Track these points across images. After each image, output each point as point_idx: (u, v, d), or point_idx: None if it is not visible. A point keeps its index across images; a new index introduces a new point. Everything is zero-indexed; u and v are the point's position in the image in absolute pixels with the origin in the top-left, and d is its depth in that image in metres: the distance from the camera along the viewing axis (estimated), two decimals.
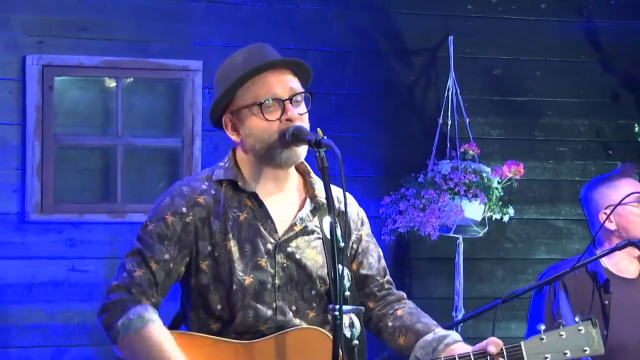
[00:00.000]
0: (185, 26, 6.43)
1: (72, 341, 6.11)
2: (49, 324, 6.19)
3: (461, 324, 6.11)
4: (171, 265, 3.35)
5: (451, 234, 6.42)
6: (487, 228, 6.48)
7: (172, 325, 3.55)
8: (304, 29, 6.62)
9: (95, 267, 6.18)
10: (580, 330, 3.44)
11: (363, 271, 3.57)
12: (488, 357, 3.36)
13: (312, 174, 3.53)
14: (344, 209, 3.41)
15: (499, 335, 3.51)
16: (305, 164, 3.52)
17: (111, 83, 6.40)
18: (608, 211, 4.71)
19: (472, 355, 3.35)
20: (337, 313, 3.08)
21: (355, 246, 3.57)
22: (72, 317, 6.12)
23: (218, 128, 3.51)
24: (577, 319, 3.48)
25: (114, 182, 6.37)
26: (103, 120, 6.46)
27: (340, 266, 3.19)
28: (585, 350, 3.43)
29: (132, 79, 6.43)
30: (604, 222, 4.75)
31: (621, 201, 4.65)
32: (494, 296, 6.10)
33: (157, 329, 3.28)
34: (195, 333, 3.39)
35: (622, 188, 4.77)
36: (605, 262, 4.80)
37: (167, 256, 3.34)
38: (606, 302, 4.71)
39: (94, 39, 6.27)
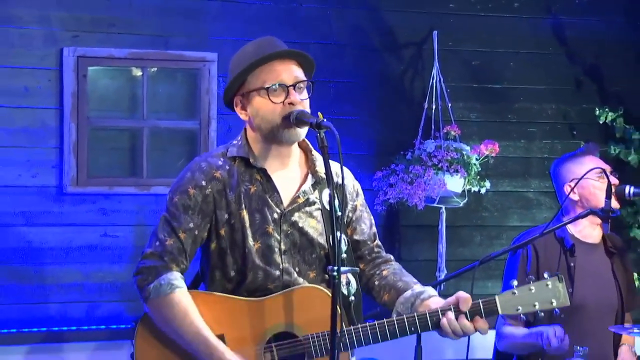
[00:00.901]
0: (202, 22, 6.40)
1: (105, 297, 6.12)
2: (84, 283, 6.20)
3: (444, 283, 6.13)
4: (196, 232, 3.37)
5: (435, 204, 6.40)
6: (466, 199, 6.46)
7: (193, 284, 3.58)
8: (306, 25, 6.59)
9: (124, 233, 6.18)
10: (548, 285, 3.43)
11: (356, 236, 3.58)
12: (453, 308, 3.34)
13: (314, 151, 3.53)
14: (341, 182, 3.44)
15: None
16: (307, 142, 3.54)
17: (137, 72, 6.38)
18: (573, 184, 4.70)
19: (439, 312, 3.34)
20: (335, 273, 3.09)
21: (350, 214, 3.57)
22: (104, 277, 6.13)
23: (229, 108, 3.52)
24: (545, 275, 3.48)
25: (140, 159, 6.37)
26: (130, 105, 6.44)
27: (338, 232, 3.19)
28: (552, 303, 3.43)
29: (155, 69, 6.40)
30: (569, 193, 4.77)
31: (584, 175, 4.63)
32: (473, 258, 6.12)
33: (182, 297, 3.31)
34: (213, 292, 3.42)
35: (585, 164, 4.75)
36: (571, 229, 4.79)
37: (192, 225, 3.35)
38: (571, 264, 4.69)
39: (122, 34, 6.26)
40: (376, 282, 3.56)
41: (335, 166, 3.40)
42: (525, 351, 4.63)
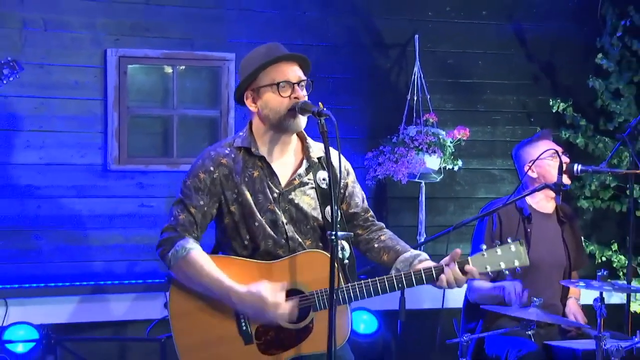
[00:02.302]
0: (223, 27, 6.38)
1: (142, 257, 6.12)
2: (124, 245, 6.21)
3: (423, 245, 6.18)
4: (205, 209, 3.37)
5: (416, 180, 6.41)
6: (442, 175, 6.47)
7: (212, 253, 3.57)
8: (308, 29, 6.57)
9: (157, 204, 6.19)
10: (511, 248, 3.46)
11: (351, 210, 3.59)
12: (444, 268, 3.39)
13: (309, 139, 3.54)
14: (332, 164, 3.46)
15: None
16: (304, 132, 3.54)
17: (168, 69, 6.36)
18: (531, 163, 4.73)
19: (433, 270, 3.39)
20: (333, 237, 3.11)
21: (343, 191, 3.57)
22: (141, 240, 6.14)
23: (239, 103, 3.52)
24: (509, 240, 3.50)
25: (170, 141, 6.37)
26: (163, 97, 6.42)
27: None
28: (515, 263, 3.47)
29: (183, 67, 6.38)
30: (528, 171, 4.79)
31: (539, 156, 4.65)
32: (447, 224, 6.00)
33: (197, 255, 3.33)
34: (232, 256, 3.43)
35: (540, 147, 4.77)
36: (529, 200, 4.81)
37: (202, 202, 3.36)
38: (528, 230, 4.71)
39: (156, 37, 6.24)
40: (375, 245, 3.58)
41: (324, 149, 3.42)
42: (490, 301, 4.63)
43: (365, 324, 6.24)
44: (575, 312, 4.80)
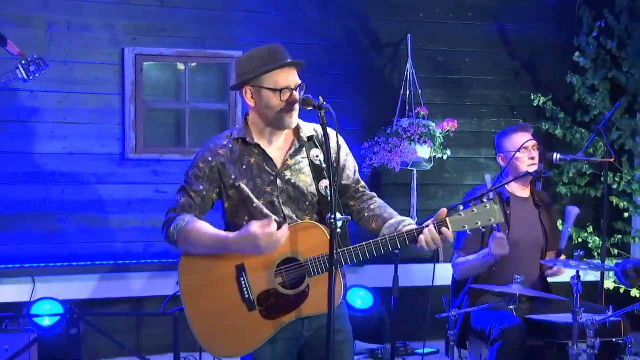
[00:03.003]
0: (231, 28, 6.40)
1: (157, 238, 6.01)
2: (142, 227, 6.24)
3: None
4: (204, 193, 3.36)
5: (408, 168, 6.43)
6: (432, 163, 6.49)
7: None
8: (309, 29, 6.58)
9: (171, 190, 6.02)
10: (486, 207, 3.33)
11: (344, 182, 3.53)
12: (424, 230, 3.33)
13: (300, 123, 3.49)
14: (323, 141, 3.42)
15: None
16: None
17: (181, 66, 6.39)
18: (512, 154, 4.69)
19: (414, 232, 3.33)
20: (332, 220, 3.11)
21: (335, 165, 3.48)
22: (157, 222, 5.89)
23: (235, 90, 3.50)
24: (484, 199, 3.38)
25: (183, 132, 6.39)
26: (176, 92, 6.44)
27: (325, 183, 3.35)
28: (491, 220, 3.35)
29: (195, 64, 6.40)
30: (510, 160, 4.76)
31: (520, 147, 4.63)
32: (437, 208, 6.06)
33: (194, 221, 3.32)
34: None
35: (516, 139, 4.74)
36: (508, 186, 4.78)
37: (201, 187, 3.35)
38: (508, 212, 4.66)
39: (170, 37, 6.26)
40: (366, 214, 3.54)
41: (317, 127, 3.45)
42: (476, 271, 4.62)
43: (362, 299, 6.27)
44: (550, 272, 4.77)
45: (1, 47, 5.74)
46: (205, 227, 3.32)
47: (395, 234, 3.37)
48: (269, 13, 6.48)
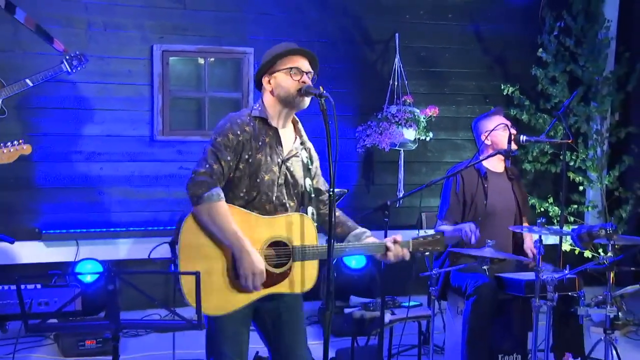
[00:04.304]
0: (243, 27, 6.37)
1: (183, 208, 6.05)
2: (167, 198, 6.26)
3: (402, 199, 6.22)
4: (230, 163, 3.27)
5: (396, 148, 6.43)
6: (417, 144, 6.50)
7: None
8: (310, 28, 6.56)
9: (193, 167, 6.22)
10: (436, 237, 3.56)
11: (317, 186, 3.53)
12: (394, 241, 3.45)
13: (299, 124, 3.50)
14: (310, 146, 3.48)
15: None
16: (296, 117, 3.50)
17: (201, 61, 6.37)
18: (487, 134, 4.71)
19: (392, 241, 3.45)
20: (331, 193, 3.18)
21: (315, 170, 3.53)
22: (180, 195, 6.12)
23: (257, 87, 3.44)
24: (434, 231, 3.60)
25: (203, 118, 6.38)
26: (197, 83, 6.42)
27: (309, 181, 3.41)
28: (438, 248, 3.57)
29: (213, 59, 6.38)
30: (484, 140, 4.78)
31: (494, 128, 4.64)
32: (420, 183, 6.14)
33: (225, 205, 3.23)
34: (235, 205, 3.29)
35: (494, 121, 4.74)
36: (485, 163, 4.78)
37: (229, 158, 3.27)
38: (485, 185, 4.69)
39: (192, 35, 6.24)
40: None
41: (305, 135, 3.49)
42: (452, 241, 4.61)
43: (356, 260, 6.30)
44: (530, 247, 4.83)
45: (48, 44, 5.78)
46: (230, 218, 3.22)
47: (377, 241, 3.47)
48: (277, 14, 6.46)
